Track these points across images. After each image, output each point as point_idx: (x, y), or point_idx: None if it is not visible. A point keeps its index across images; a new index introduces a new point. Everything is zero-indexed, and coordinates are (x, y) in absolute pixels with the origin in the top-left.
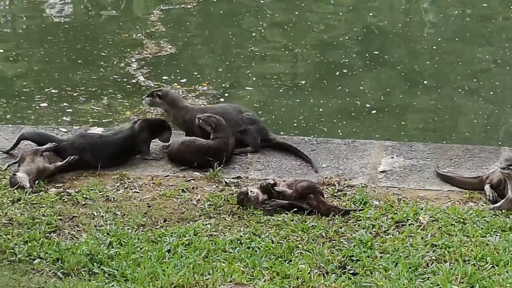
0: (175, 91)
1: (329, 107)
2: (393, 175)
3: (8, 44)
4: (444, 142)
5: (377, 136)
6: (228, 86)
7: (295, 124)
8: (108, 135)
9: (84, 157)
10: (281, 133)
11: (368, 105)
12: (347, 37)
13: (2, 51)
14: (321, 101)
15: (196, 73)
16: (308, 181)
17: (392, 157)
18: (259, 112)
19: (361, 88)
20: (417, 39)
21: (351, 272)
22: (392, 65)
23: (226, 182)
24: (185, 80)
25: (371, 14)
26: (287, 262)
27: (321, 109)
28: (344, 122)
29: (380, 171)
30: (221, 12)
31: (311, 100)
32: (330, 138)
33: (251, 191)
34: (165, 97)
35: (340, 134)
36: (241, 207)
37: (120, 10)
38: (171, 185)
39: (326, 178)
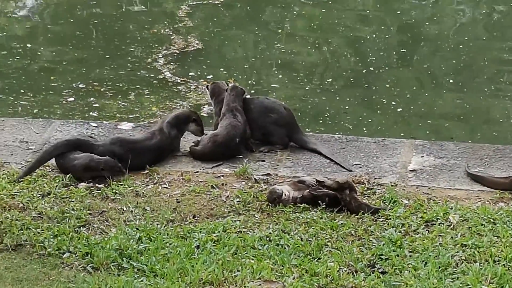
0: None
1: (355, 105)
2: (423, 174)
3: (36, 38)
4: (470, 141)
5: (402, 134)
6: (254, 82)
7: (320, 121)
8: (142, 139)
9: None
10: (307, 129)
11: (394, 103)
12: (374, 35)
13: (29, 45)
14: (347, 99)
15: (222, 69)
16: (344, 177)
17: (422, 156)
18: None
19: (387, 86)
20: (444, 37)
21: (380, 270)
22: (418, 63)
23: (255, 179)
24: (211, 76)
25: (398, 12)
26: (316, 259)
27: (347, 107)
28: (370, 120)
29: (410, 170)
30: (248, 8)
31: (337, 98)
32: (360, 136)
33: (284, 194)
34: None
35: (365, 132)
36: (270, 204)
37: (149, 5)
38: (201, 181)
39: (355, 176)
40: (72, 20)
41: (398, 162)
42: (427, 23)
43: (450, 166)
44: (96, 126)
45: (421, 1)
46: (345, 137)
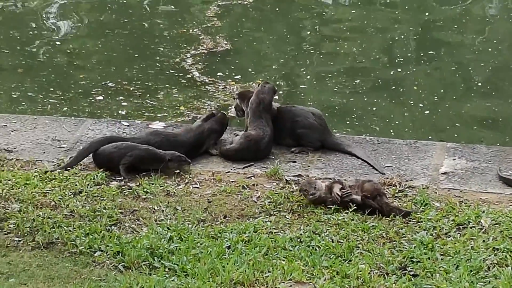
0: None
1: (383, 106)
2: (455, 177)
3: (66, 37)
4: (498, 144)
5: (430, 137)
6: (282, 83)
7: (347, 122)
8: (178, 133)
9: None
10: (334, 130)
11: (421, 105)
12: (402, 36)
13: (59, 43)
14: (375, 100)
15: (250, 70)
16: (371, 183)
17: (454, 159)
18: None
19: (415, 88)
20: (474, 40)
21: (411, 273)
22: (446, 66)
23: (286, 180)
24: (239, 76)
25: (427, 13)
26: (347, 261)
27: (374, 108)
28: (397, 122)
29: (442, 173)
30: (277, 9)
31: (365, 99)
32: (391, 138)
33: (316, 188)
34: None
35: (392, 134)
36: (301, 205)
37: (179, 5)
38: (232, 182)
39: (387, 178)
40: (101, 19)
41: (430, 164)
42: (456, 26)
43: (482, 169)
44: (127, 125)
45: (451, 5)
46: (377, 139)
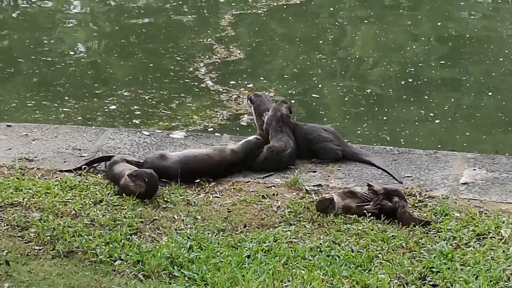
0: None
1: (393, 116)
2: (475, 187)
3: (81, 47)
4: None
5: (439, 146)
6: (294, 92)
7: (358, 132)
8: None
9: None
10: (345, 139)
11: (431, 114)
12: (414, 46)
13: (72, 53)
14: (385, 110)
15: (262, 79)
16: (397, 188)
17: (474, 169)
18: (324, 119)
19: (426, 97)
20: (493, 51)
21: (431, 283)
22: (469, 76)
23: (306, 190)
24: (252, 85)
25: (449, 26)
26: (366, 271)
27: (385, 118)
28: (407, 132)
29: (462, 183)
30: (290, 18)
31: (376, 109)
32: (411, 149)
33: (335, 200)
34: None
35: (403, 143)
36: (321, 215)
37: (196, 14)
38: (252, 191)
39: (407, 188)
40: (117, 28)
41: (450, 175)
42: (476, 37)
43: (503, 179)
44: (148, 135)
45: (475, 16)
46: (397, 149)
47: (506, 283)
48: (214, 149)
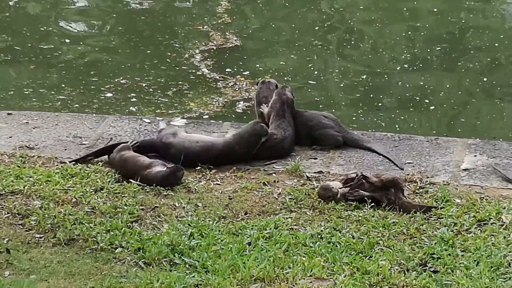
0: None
1: (388, 102)
2: (475, 174)
3: (78, 34)
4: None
5: (434, 132)
6: (290, 79)
7: (353, 118)
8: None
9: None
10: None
11: (426, 101)
12: (421, 36)
13: (68, 40)
14: (380, 96)
15: (258, 66)
16: (394, 176)
17: (475, 155)
18: (320, 106)
19: (421, 83)
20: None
21: (432, 269)
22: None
23: (307, 177)
24: (247, 72)
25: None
26: (367, 258)
27: (380, 104)
28: (402, 118)
29: (463, 169)
30: (287, 4)
31: (371, 96)
32: (412, 135)
33: (334, 188)
34: None
35: (398, 129)
36: (322, 202)
37: (194, 1)
38: (253, 178)
39: (408, 174)
40: (114, 15)
41: (451, 161)
42: (481, 30)
43: (503, 165)
44: (149, 122)
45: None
46: (398, 136)
47: (507, 269)
48: (219, 137)
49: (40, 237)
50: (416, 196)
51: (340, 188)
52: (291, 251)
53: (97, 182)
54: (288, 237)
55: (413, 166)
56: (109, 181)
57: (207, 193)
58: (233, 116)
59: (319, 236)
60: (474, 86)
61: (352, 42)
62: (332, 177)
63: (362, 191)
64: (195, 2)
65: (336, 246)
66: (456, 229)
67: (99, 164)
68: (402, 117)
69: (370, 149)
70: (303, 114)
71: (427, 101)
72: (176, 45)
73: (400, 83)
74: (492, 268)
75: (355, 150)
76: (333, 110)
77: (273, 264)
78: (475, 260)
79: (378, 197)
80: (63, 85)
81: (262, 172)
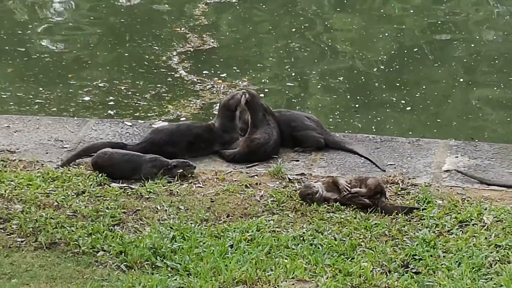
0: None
1: (365, 103)
2: (457, 175)
3: (55, 37)
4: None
5: (410, 133)
6: (267, 81)
7: (330, 119)
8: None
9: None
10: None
11: (403, 101)
12: (402, 33)
13: (45, 43)
14: (357, 97)
15: (235, 68)
16: (376, 179)
17: (457, 157)
18: (297, 107)
19: (397, 84)
20: (478, 40)
21: (413, 271)
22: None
23: (289, 179)
24: (225, 74)
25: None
26: (349, 259)
27: (357, 105)
28: (379, 119)
29: (444, 170)
30: (265, 7)
31: (348, 96)
32: (394, 137)
33: (319, 192)
34: None
35: (374, 130)
36: (304, 204)
37: (171, 4)
38: (235, 181)
39: (390, 176)
40: (92, 18)
41: (432, 162)
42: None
43: (485, 166)
44: (130, 125)
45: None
46: (380, 137)
47: (488, 270)
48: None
49: (22, 241)
50: (398, 197)
51: (323, 191)
52: (273, 254)
53: (79, 185)
54: (270, 239)
55: (395, 167)
56: (91, 185)
57: (189, 195)
58: (211, 118)
59: (301, 238)
60: (451, 87)
61: (330, 44)
62: (314, 179)
63: (364, 199)
64: (172, 4)
65: (318, 248)
66: (437, 230)
67: (81, 167)
68: (379, 118)
69: (352, 151)
70: (285, 114)
71: (403, 101)
72: (154, 47)
73: (376, 84)
74: (474, 269)
75: (337, 152)
76: (310, 112)
77: (255, 266)
78: (456, 261)
79: (370, 203)
80: (40, 89)
81: (244, 175)
